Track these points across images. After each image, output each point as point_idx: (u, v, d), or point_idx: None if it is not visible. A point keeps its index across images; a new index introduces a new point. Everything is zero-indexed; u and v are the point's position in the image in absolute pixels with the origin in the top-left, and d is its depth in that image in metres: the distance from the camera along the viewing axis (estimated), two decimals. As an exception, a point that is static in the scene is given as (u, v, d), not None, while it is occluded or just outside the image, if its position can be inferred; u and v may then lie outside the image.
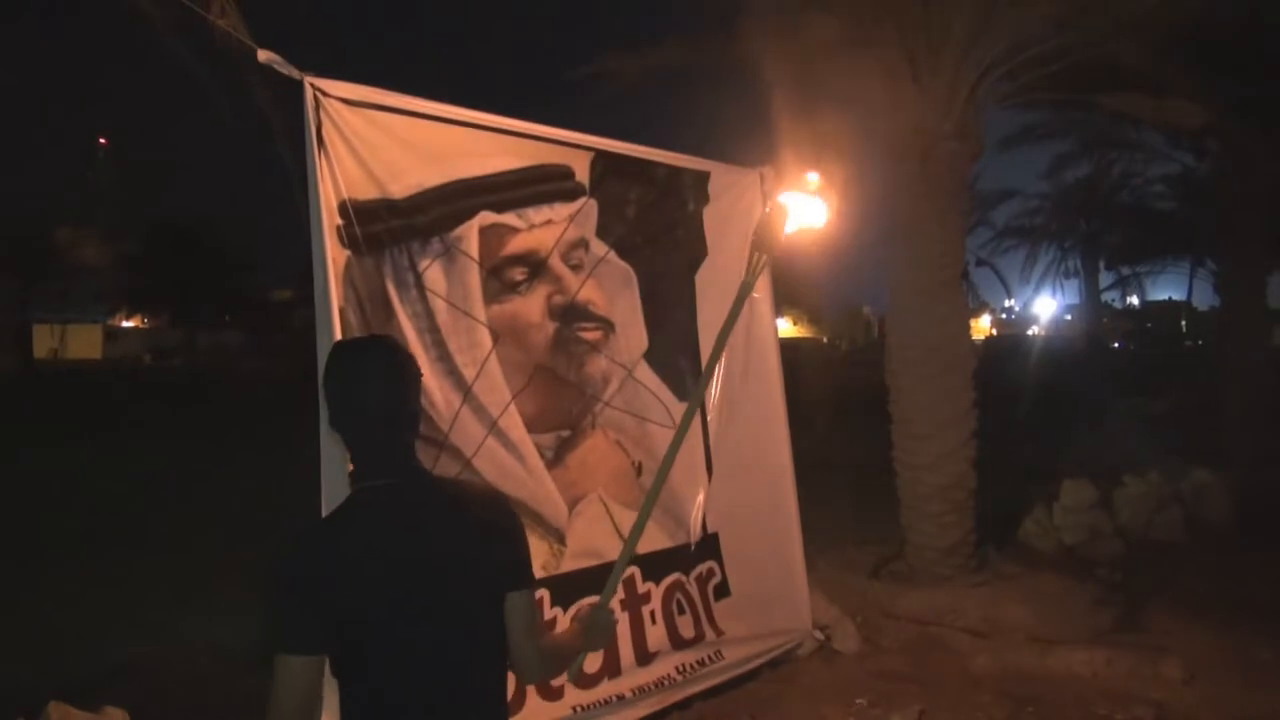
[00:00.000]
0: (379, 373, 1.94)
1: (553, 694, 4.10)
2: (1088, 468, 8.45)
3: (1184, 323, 48.92)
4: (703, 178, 5.06)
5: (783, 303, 5.51)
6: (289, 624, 1.76)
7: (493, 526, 2.00)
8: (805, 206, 3.50)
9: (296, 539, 1.86)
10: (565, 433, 4.34)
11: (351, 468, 1.97)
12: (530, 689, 3.94)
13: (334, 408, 1.96)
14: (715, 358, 3.21)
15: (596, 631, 2.43)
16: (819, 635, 5.36)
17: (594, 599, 4.27)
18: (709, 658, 4.77)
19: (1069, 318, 46.97)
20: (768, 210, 3.26)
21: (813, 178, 3.58)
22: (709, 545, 4.99)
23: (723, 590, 5.02)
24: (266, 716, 1.75)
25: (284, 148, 3.34)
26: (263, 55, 3.31)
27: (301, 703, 1.74)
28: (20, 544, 8.21)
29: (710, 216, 5.09)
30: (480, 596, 1.96)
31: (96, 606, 6.55)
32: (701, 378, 4.23)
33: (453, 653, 1.90)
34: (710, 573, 4.99)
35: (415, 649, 1.83)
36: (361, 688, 1.82)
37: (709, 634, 4.86)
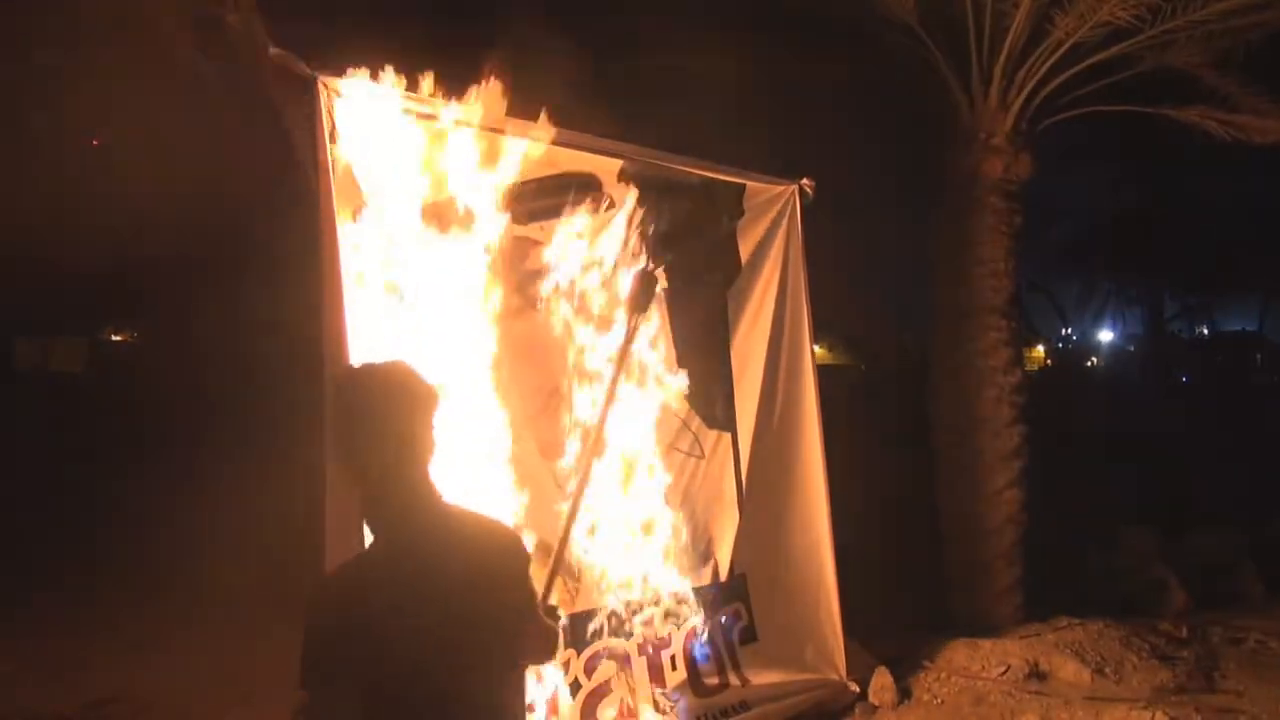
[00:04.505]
0: (390, 401, 2.06)
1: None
2: (1152, 512, 8.37)
3: (1259, 356, 48.42)
4: (738, 191, 5.10)
5: (819, 328, 5.52)
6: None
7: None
8: None
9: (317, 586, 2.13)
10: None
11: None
12: None
13: (342, 441, 2.08)
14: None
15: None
16: (854, 687, 5.33)
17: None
18: (733, 708, 4.75)
19: (1131, 349, 46.58)
20: (644, 271, 3.54)
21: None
22: (736, 586, 4.99)
23: (749, 636, 5.01)
24: None
25: (302, 152, 3.42)
26: (273, 53, 3.40)
27: None
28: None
29: (745, 232, 5.13)
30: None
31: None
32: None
33: None
34: (736, 616, 4.98)
35: None
36: None
37: (734, 682, 4.84)
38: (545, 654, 2.55)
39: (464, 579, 2.05)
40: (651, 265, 3.56)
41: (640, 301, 3.43)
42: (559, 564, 2.96)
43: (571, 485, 3.59)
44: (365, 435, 2.04)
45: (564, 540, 3.05)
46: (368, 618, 1.95)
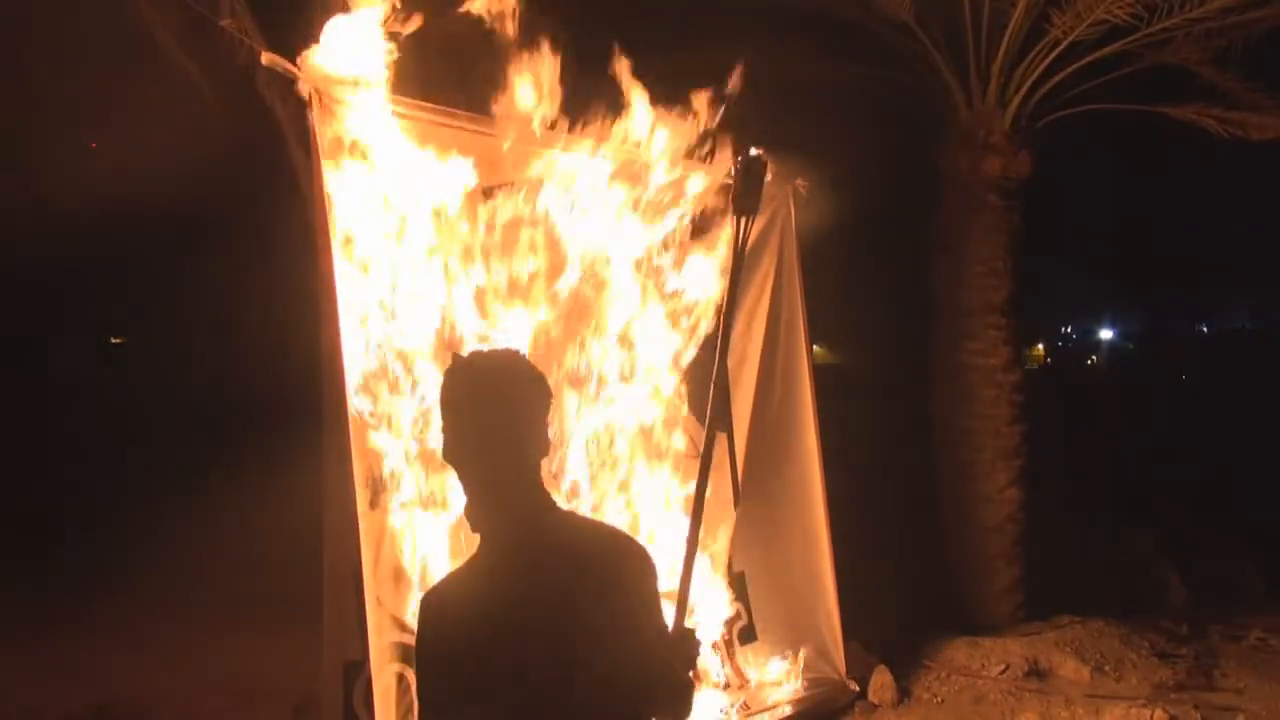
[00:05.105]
0: (506, 394, 1.87)
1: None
2: (1154, 510, 8.36)
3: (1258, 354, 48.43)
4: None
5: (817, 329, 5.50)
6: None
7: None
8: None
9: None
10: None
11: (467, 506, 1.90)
12: None
13: (447, 436, 1.87)
14: (725, 341, 2.70)
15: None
16: (854, 686, 5.32)
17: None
18: (734, 708, 4.75)
19: (1131, 346, 46.58)
20: (749, 157, 2.58)
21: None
22: (735, 585, 4.98)
23: (749, 635, 5.01)
24: None
25: (296, 154, 3.41)
26: (266, 58, 3.40)
27: None
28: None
29: (740, 231, 5.11)
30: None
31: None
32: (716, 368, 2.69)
33: None
34: (736, 615, 4.98)
35: None
36: None
37: (733, 682, 4.84)
38: (679, 710, 2.00)
39: (596, 592, 1.85)
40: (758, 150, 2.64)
41: (746, 200, 2.55)
42: (688, 581, 2.33)
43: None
44: (481, 432, 1.85)
45: (689, 559, 2.37)
46: (500, 632, 1.79)
